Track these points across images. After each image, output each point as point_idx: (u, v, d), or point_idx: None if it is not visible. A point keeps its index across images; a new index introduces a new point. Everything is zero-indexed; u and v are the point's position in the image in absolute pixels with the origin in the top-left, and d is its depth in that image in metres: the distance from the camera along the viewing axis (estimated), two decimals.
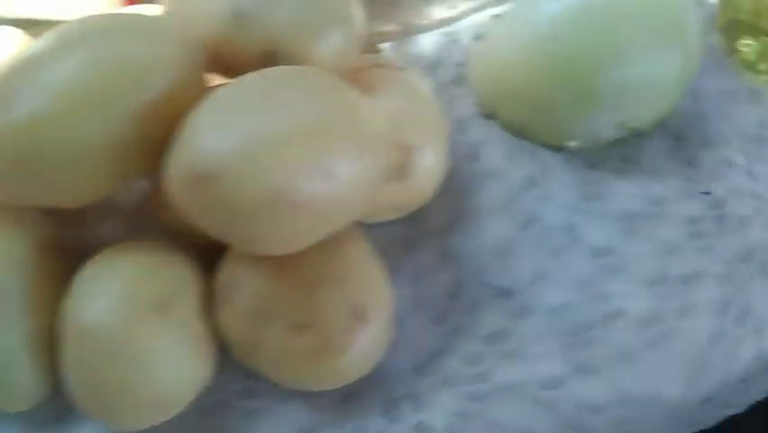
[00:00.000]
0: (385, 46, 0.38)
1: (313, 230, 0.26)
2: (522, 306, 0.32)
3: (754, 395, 0.33)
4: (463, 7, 0.40)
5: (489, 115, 0.36)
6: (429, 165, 0.31)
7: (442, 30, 0.39)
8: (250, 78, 0.26)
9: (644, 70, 0.33)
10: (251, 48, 0.29)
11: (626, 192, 0.35)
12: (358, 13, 0.30)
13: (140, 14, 0.31)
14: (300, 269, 0.28)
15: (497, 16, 0.39)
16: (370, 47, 0.38)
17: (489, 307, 0.32)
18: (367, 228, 0.33)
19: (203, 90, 0.27)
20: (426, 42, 0.38)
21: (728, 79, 0.39)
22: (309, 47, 0.28)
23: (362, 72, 0.32)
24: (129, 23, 0.28)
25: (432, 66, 0.38)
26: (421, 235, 0.34)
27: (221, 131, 0.25)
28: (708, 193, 0.35)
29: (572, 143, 0.34)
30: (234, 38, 0.29)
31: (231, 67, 0.29)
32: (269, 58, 0.29)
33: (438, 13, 0.40)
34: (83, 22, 0.28)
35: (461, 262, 0.33)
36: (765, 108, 0.38)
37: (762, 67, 0.39)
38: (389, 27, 0.39)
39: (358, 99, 0.27)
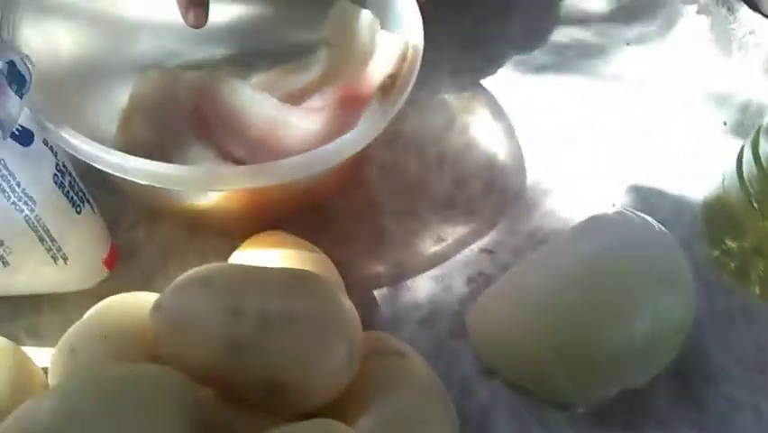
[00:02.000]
0: (378, 293, 0.37)
1: None
2: None
3: None
4: (449, 240, 0.39)
5: (491, 372, 0.35)
6: None
7: (432, 272, 0.38)
8: None
9: (643, 330, 0.31)
10: (251, 382, 0.27)
11: None
12: (357, 327, 0.29)
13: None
14: None
15: (485, 251, 0.39)
16: None
17: None
18: None
19: None
20: (419, 287, 0.37)
21: (720, 298, 0.39)
22: (312, 374, 0.27)
23: (364, 366, 0.30)
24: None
25: (428, 317, 0.36)
26: None
27: None
28: None
29: (578, 409, 0.33)
30: (233, 371, 0.27)
31: (237, 397, 0.28)
32: (272, 391, 0.27)
33: (425, 248, 0.39)
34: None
35: None
36: (761, 328, 0.38)
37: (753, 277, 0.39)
38: (380, 268, 0.38)
39: None
